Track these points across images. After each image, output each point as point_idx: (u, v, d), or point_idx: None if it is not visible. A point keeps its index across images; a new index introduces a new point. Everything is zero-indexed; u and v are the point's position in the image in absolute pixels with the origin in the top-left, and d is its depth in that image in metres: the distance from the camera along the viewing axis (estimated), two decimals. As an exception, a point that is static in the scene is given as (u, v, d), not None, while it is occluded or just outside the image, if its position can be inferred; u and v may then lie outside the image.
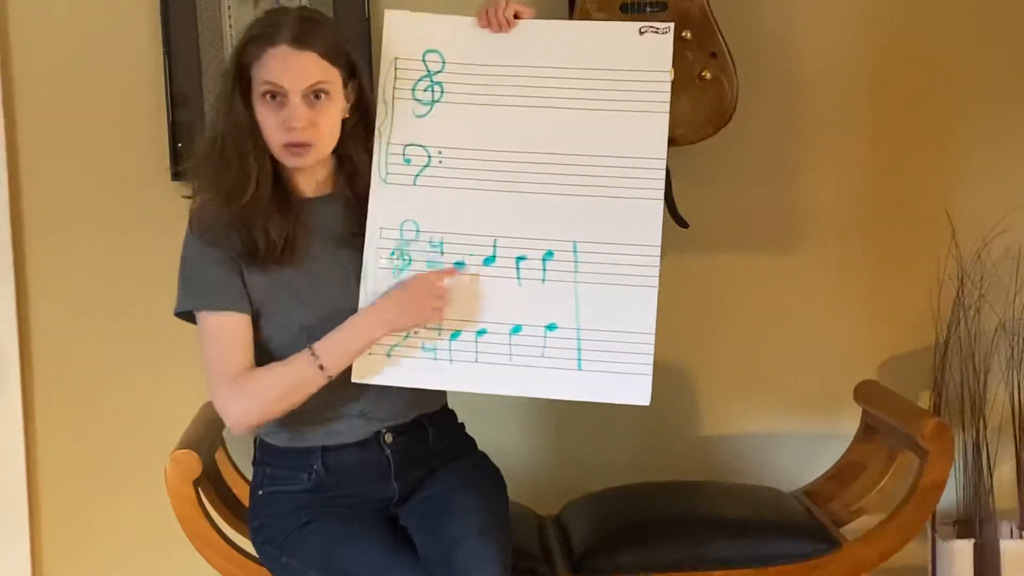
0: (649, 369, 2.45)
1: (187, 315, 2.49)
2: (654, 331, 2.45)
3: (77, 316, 3.32)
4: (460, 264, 2.48)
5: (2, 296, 3.27)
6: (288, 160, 2.43)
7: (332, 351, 2.40)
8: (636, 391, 2.46)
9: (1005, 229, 3.35)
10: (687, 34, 3.00)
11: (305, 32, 2.39)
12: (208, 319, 2.45)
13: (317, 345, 2.40)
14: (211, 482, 2.81)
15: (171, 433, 2.81)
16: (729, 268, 3.38)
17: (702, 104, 2.99)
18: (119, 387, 3.33)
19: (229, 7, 3.25)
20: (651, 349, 2.45)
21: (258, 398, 2.41)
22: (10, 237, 3.27)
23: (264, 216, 2.41)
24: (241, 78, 2.41)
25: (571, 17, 3.06)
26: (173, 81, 3.25)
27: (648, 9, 3.01)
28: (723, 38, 3.03)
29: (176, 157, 3.25)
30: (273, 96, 2.38)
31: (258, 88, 2.40)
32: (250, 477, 2.66)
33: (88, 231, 3.30)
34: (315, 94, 2.39)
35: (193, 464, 2.64)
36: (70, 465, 3.34)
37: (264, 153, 2.43)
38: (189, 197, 2.52)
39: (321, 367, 2.39)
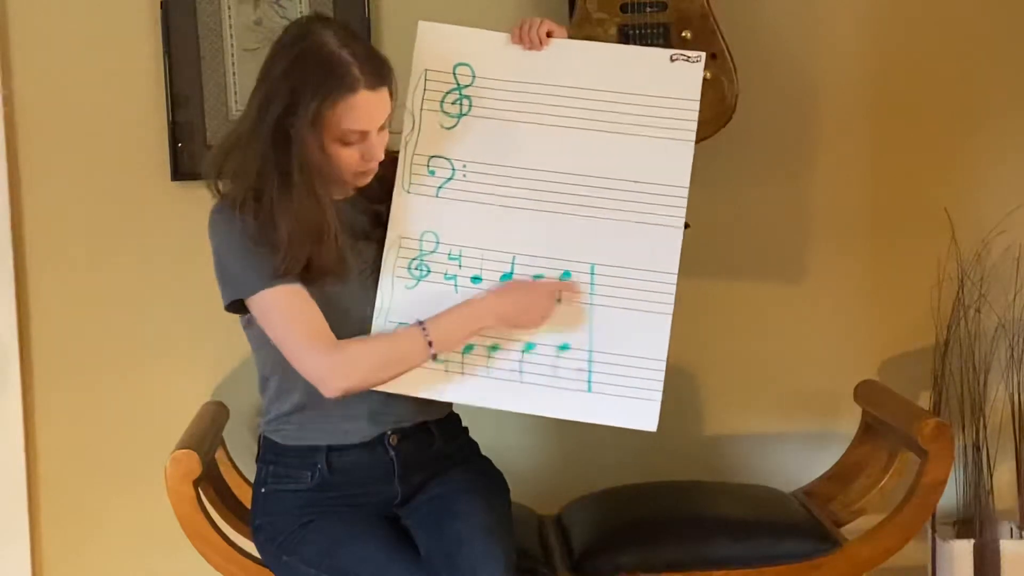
0: (658, 396, 2.46)
1: (236, 305, 2.43)
2: (665, 358, 2.46)
3: (77, 316, 3.32)
4: (477, 279, 2.49)
5: (2, 296, 3.27)
6: (356, 182, 2.45)
7: (442, 330, 2.41)
8: (644, 417, 2.46)
9: (1005, 229, 3.36)
10: (687, 34, 3.00)
11: (377, 69, 2.38)
12: (270, 296, 2.38)
13: (428, 321, 2.40)
14: (211, 482, 2.81)
15: (171, 433, 2.81)
16: (729, 268, 3.38)
17: (702, 104, 2.96)
18: (119, 387, 3.33)
19: (229, 7, 3.25)
20: (662, 376, 2.46)
21: (360, 364, 2.39)
22: (10, 237, 3.26)
23: (325, 238, 2.39)
24: (315, 119, 2.34)
25: (571, 17, 3.06)
26: (173, 81, 3.25)
27: (648, 9, 3.01)
28: (723, 38, 3.03)
29: (176, 157, 3.25)
30: (352, 141, 2.38)
31: (336, 133, 2.36)
32: (250, 477, 2.66)
33: (88, 231, 3.30)
34: (382, 125, 2.41)
35: (193, 464, 2.63)
36: (70, 464, 3.34)
37: (321, 183, 2.40)
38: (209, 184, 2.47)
39: (430, 343, 2.39)
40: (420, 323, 2.41)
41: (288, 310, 2.39)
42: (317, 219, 2.38)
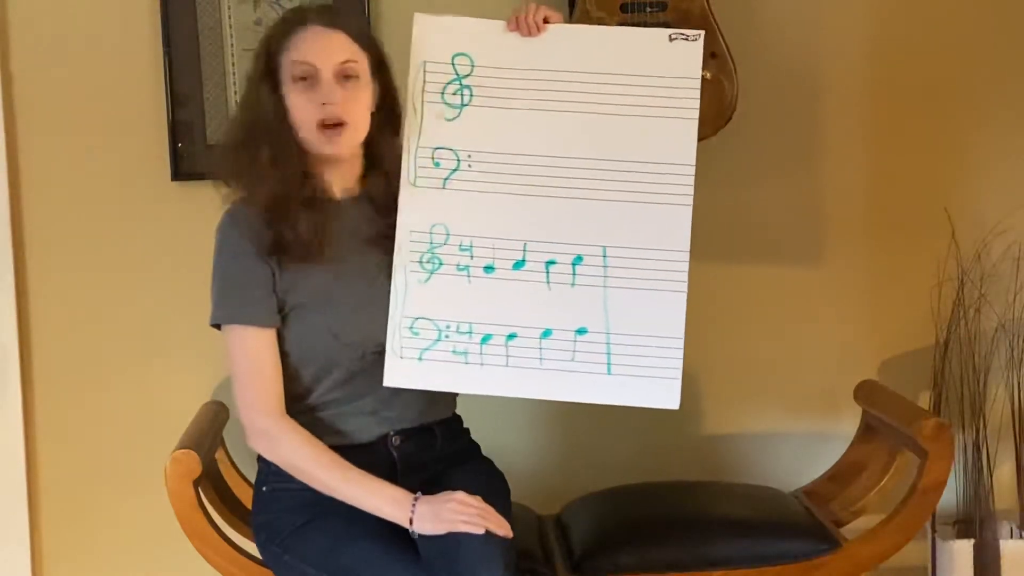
0: (678, 373, 2.47)
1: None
2: (683, 335, 2.48)
3: (77, 316, 3.32)
4: (489, 268, 2.49)
5: (2, 296, 3.27)
6: (324, 144, 2.44)
7: (364, 498, 2.40)
8: (665, 395, 2.48)
9: (1005, 229, 3.36)
10: (687, 34, 3.00)
11: (333, 14, 2.46)
12: (242, 334, 2.44)
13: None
14: (211, 482, 2.81)
15: (171, 433, 2.80)
16: (728, 268, 3.38)
17: (702, 104, 2.97)
18: (119, 387, 3.33)
19: (229, 7, 3.25)
20: (680, 353, 2.48)
21: (286, 458, 2.44)
22: (10, 237, 3.27)
23: (293, 211, 2.42)
24: (269, 67, 2.43)
25: (571, 16, 3.06)
26: (173, 81, 3.25)
27: (648, 8, 3.01)
28: (723, 38, 3.03)
29: (176, 157, 3.26)
30: (304, 78, 2.41)
31: (289, 71, 2.42)
32: (250, 477, 2.66)
33: (88, 231, 3.30)
34: (345, 76, 2.43)
35: (193, 464, 2.63)
36: (70, 465, 3.34)
37: (292, 145, 2.43)
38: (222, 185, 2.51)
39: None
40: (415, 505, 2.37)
41: (249, 358, 2.44)
42: (293, 177, 2.42)
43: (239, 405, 2.46)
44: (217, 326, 2.49)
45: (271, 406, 2.44)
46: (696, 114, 2.50)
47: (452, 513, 2.34)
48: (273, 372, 2.45)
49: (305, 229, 2.42)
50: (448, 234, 2.50)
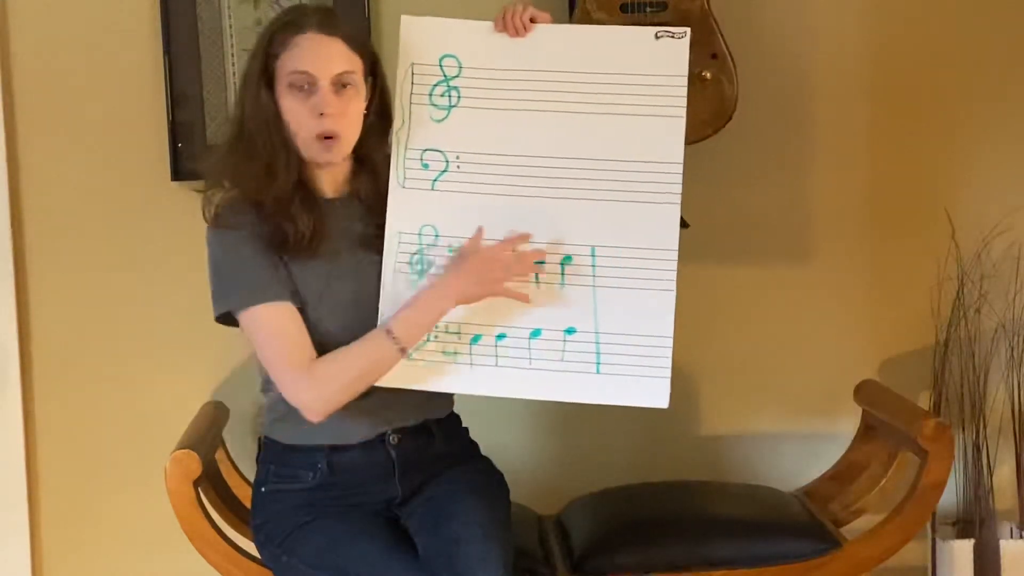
0: (667, 372, 2.47)
1: (226, 317, 2.46)
2: (672, 334, 2.47)
3: (77, 316, 3.32)
4: None
5: (2, 296, 3.27)
6: (319, 154, 2.44)
7: (406, 328, 2.40)
8: (654, 394, 2.47)
9: (1005, 229, 3.36)
10: (687, 34, 3.00)
11: (331, 19, 2.45)
12: (258, 313, 2.41)
13: (392, 323, 2.40)
14: (211, 482, 2.81)
15: (171, 433, 2.81)
16: (729, 268, 3.38)
17: (702, 104, 2.99)
18: (119, 387, 3.33)
19: (229, 7, 3.25)
20: (669, 352, 2.47)
21: (334, 383, 2.40)
22: (10, 237, 3.26)
23: (290, 208, 2.42)
24: (266, 69, 2.42)
25: (571, 17, 3.06)
26: (173, 81, 3.25)
27: (648, 9, 3.01)
28: (723, 38, 3.03)
29: (176, 157, 3.26)
30: (300, 86, 2.40)
31: (285, 78, 2.41)
32: (250, 477, 2.66)
33: (88, 231, 3.30)
34: (342, 84, 2.42)
35: (193, 464, 2.63)
36: (70, 465, 3.34)
37: (287, 145, 2.43)
38: (200, 191, 2.49)
39: (402, 350, 2.40)
40: (387, 328, 2.40)
41: (271, 331, 2.41)
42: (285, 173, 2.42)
43: (277, 382, 2.43)
44: (222, 321, 2.47)
45: (301, 367, 2.40)
46: (683, 112, 2.50)
47: (484, 273, 2.42)
48: (299, 336, 2.41)
49: (303, 226, 2.42)
50: (437, 235, 2.50)
